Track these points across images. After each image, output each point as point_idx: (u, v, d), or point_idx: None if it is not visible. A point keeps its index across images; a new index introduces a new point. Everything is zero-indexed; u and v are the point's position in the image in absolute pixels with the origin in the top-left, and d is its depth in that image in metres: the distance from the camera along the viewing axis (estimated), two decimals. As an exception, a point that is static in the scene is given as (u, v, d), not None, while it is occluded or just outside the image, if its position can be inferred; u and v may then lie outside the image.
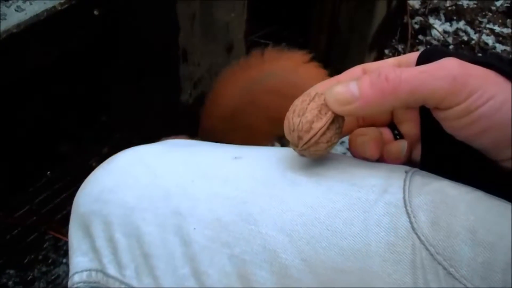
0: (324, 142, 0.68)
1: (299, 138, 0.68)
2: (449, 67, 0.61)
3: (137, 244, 0.73)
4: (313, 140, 0.67)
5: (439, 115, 0.64)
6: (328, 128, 0.68)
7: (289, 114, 0.70)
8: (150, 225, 0.73)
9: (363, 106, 0.64)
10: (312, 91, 0.70)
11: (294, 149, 0.70)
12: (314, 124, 0.67)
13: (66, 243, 1.65)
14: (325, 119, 0.67)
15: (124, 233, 0.74)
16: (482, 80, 0.60)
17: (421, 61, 0.69)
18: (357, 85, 0.64)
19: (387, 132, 0.76)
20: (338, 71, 2.05)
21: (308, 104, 0.69)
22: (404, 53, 2.31)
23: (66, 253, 1.65)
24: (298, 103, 0.70)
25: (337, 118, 0.68)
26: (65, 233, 1.66)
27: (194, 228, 0.70)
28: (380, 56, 2.26)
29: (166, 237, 0.71)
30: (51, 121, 1.70)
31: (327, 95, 0.67)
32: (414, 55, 0.71)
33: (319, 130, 0.67)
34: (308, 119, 0.67)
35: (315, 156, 0.70)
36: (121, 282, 0.73)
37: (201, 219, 0.70)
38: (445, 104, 0.61)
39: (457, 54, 0.67)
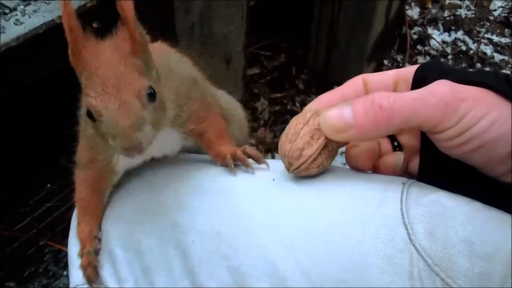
0: (315, 167, 0.69)
1: (290, 164, 0.69)
2: (441, 93, 0.62)
3: (137, 257, 0.73)
4: (303, 167, 0.69)
5: (432, 137, 0.65)
6: (319, 154, 0.69)
7: (282, 137, 0.71)
8: (149, 238, 0.73)
9: (357, 134, 0.66)
10: (308, 111, 0.71)
11: (287, 171, 0.71)
12: (304, 151, 0.68)
13: (67, 255, 1.65)
14: (316, 145, 0.68)
15: (123, 247, 0.74)
16: (474, 102, 0.61)
17: (417, 76, 0.70)
18: (351, 111, 0.65)
19: (385, 143, 0.76)
20: (337, 82, 2.06)
21: (302, 128, 0.70)
22: (403, 63, 2.31)
23: (66, 266, 1.63)
24: (292, 125, 0.71)
25: (330, 142, 0.69)
26: (66, 246, 1.67)
27: (193, 241, 0.70)
28: (379, 67, 2.26)
29: (166, 250, 0.71)
30: (51, 134, 1.70)
31: (321, 122, 0.68)
32: (412, 69, 0.71)
33: (308, 158, 0.68)
34: (298, 146, 0.69)
35: (308, 177, 0.71)
36: None
37: (200, 232, 0.70)
38: (438, 129, 0.63)
39: (453, 69, 0.68)
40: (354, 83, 0.74)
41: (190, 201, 0.74)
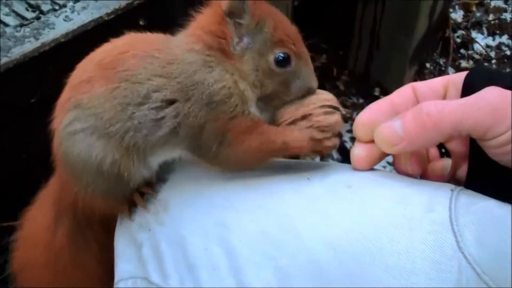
0: None
1: None
2: (490, 99, 0.62)
3: (182, 254, 0.73)
4: None
5: (482, 144, 0.65)
6: None
7: None
8: (195, 236, 0.74)
9: (408, 145, 0.66)
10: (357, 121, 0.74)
11: None
12: None
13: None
14: None
15: (169, 243, 0.75)
16: None
17: (467, 82, 0.70)
18: (400, 123, 0.66)
19: (433, 149, 0.76)
20: (379, 84, 2.03)
21: None
22: (446, 67, 2.29)
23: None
24: None
25: None
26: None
27: (240, 241, 0.70)
28: (420, 70, 2.24)
29: (211, 248, 0.72)
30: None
31: (376, 137, 0.70)
32: (462, 75, 0.71)
33: None
34: None
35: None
36: None
37: (246, 231, 0.71)
38: (488, 135, 0.62)
39: (502, 74, 0.68)
40: (404, 91, 0.75)
41: (235, 199, 0.74)
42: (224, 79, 0.73)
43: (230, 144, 0.73)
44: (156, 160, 0.78)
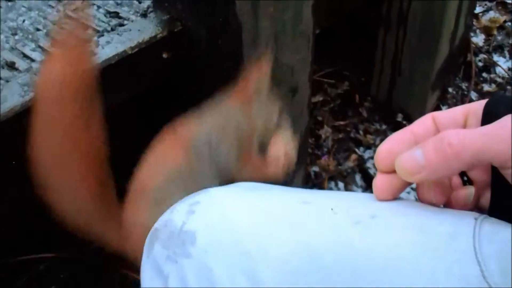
0: None
1: None
2: (510, 128, 0.62)
3: (209, 285, 0.74)
4: None
5: (502, 171, 0.65)
6: None
7: None
8: (221, 267, 0.74)
9: (430, 174, 0.66)
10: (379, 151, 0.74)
11: None
12: None
13: (134, 281, 1.67)
14: None
15: (196, 275, 0.76)
16: None
17: (487, 110, 0.70)
18: (422, 153, 0.66)
19: (455, 178, 0.76)
20: (401, 110, 2.02)
21: None
22: (468, 91, 2.28)
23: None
24: None
25: None
26: (134, 271, 1.69)
27: (265, 271, 0.71)
28: (443, 95, 2.23)
29: (237, 279, 0.72)
30: (117, 163, 1.73)
31: (396, 166, 0.69)
32: (481, 103, 0.71)
33: None
34: None
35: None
36: None
37: (272, 264, 0.71)
38: (508, 164, 0.62)
39: None
40: (424, 121, 0.75)
41: (260, 230, 0.75)
42: None
43: None
44: None
